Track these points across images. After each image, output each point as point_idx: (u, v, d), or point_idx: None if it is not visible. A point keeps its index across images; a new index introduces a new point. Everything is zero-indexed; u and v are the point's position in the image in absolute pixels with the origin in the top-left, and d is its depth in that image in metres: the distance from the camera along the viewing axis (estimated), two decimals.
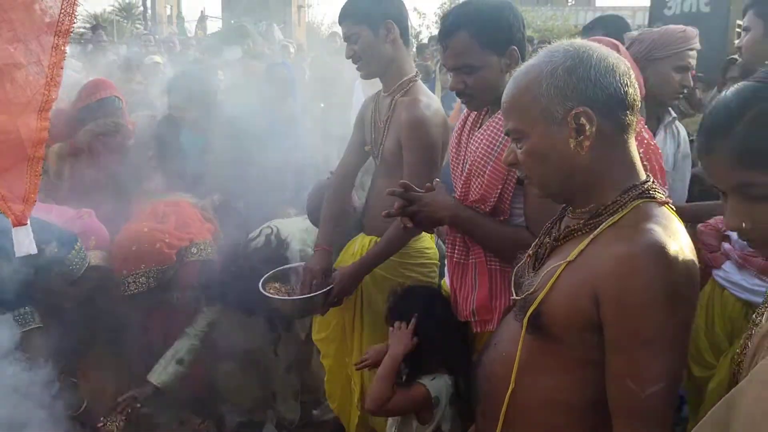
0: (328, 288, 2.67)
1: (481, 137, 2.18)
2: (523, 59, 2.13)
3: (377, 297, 2.84)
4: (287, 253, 3.16)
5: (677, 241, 1.31)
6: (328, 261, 2.85)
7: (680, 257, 1.30)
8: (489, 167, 2.14)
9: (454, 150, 2.41)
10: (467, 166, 2.23)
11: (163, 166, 3.50)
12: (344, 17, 2.69)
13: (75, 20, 1.73)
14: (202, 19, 18.96)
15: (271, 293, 2.72)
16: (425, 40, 14.07)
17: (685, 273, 1.30)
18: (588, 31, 3.76)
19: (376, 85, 2.89)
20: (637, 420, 1.31)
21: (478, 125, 2.30)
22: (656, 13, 8.67)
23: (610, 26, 3.55)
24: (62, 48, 1.71)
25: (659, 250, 1.28)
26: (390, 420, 2.49)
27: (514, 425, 1.48)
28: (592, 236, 1.38)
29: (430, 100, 2.66)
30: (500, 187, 2.12)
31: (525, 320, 1.44)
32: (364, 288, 2.85)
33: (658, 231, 1.31)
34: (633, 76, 1.40)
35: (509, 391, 1.46)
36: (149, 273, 2.92)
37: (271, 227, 3.23)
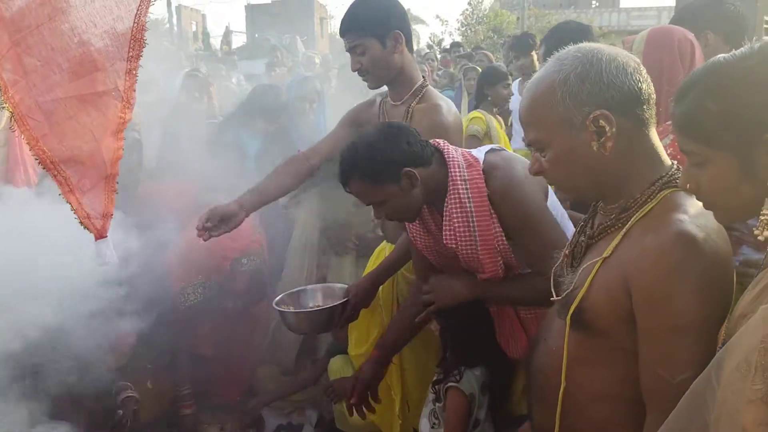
0: (344, 301, 2.60)
1: (450, 235, 2.13)
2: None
3: None
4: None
5: (705, 229, 1.33)
6: (230, 213, 2.67)
7: (709, 245, 1.31)
8: (478, 253, 2.11)
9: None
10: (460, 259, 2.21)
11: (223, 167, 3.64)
12: (348, 29, 2.59)
13: (144, 45, 1.85)
14: (227, 34, 19.27)
15: (283, 308, 2.69)
16: (447, 46, 14.14)
17: (714, 260, 1.32)
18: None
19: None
20: (670, 408, 1.29)
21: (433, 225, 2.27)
22: None
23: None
24: (134, 72, 1.83)
25: (687, 239, 1.30)
26: (423, 419, 2.51)
27: (571, 417, 1.52)
28: (624, 230, 1.42)
29: (449, 105, 2.65)
30: (499, 258, 2.11)
31: (568, 318, 1.49)
32: (400, 296, 2.87)
33: (686, 220, 1.33)
34: (644, 72, 1.43)
35: (562, 385, 1.50)
36: (206, 284, 3.03)
37: None
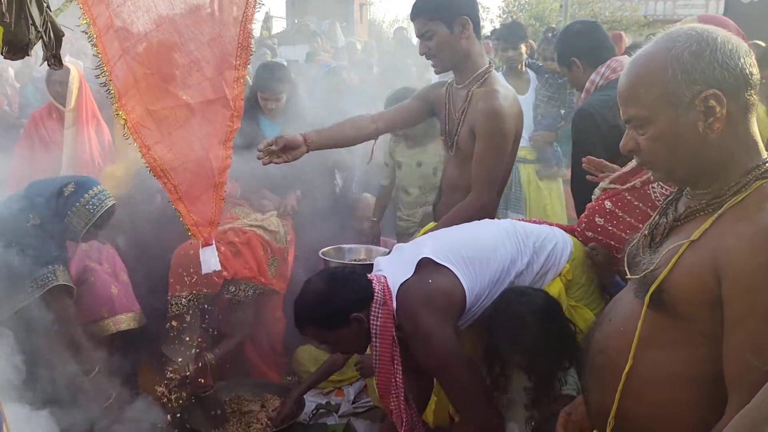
0: None
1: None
2: None
3: None
4: None
5: None
6: (296, 142, 2.59)
7: None
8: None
9: None
10: None
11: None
12: (418, 14, 2.65)
13: (251, 52, 1.85)
14: (267, 19, 19.23)
15: (330, 258, 2.86)
16: (488, 33, 13.99)
17: None
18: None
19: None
20: (756, 393, 1.26)
21: None
22: (732, 2, 8.40)
23: (560, 46, 3.28)
24: (242, 81, 1.84)
25: None
26: (512, 423, 2.48)
27: (631, 398, 1.50)
28: (715, 216, 1.40)
29: (507, 91, 2.67)
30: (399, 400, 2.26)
31: (647, 297, 1.46)
32: None
33: None
34: (754, 57, 1.39)
35: (628, 365, 1.48)
36: (198, 296, 3.13)
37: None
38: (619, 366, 1.50)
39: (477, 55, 2.70)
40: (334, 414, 3.44)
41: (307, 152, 2.65)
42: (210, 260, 1.91)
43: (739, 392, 1.32)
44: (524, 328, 2.14)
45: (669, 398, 1.46)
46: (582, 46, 3.15)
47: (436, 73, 2.80)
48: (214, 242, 1.92)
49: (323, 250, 2.94)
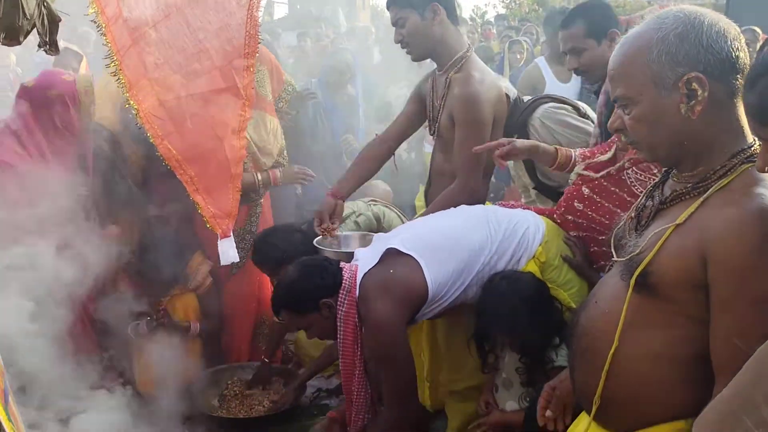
0: None
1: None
2: None
3: None
4: None
5: None
6: (332, 206, 2.84)
7: None
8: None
9: None
10: None
11: None
12: (391, 2, 2.72)
13: (259, 41, 1.84)
14: (270, 4, 18.97)
15: (324, 246, 2.83)
16: (491, 19, 13.83)
17: None
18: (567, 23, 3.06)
19: None
20: None
21: None
22: None
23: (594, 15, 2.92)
24: (251, 69, 1.84)
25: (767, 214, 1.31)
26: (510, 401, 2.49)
27: (617, 378, 1.51)
28: (701, 200, 1.38)
29: (484, 75, 2.69)
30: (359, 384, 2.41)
31: (632, 280, 1.46)
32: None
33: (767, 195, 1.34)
34: (743, 41, 1.41)
35: (614, 346, 1.49)
36: None
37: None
38: (604, 347, 1.51)
39: (453, 41, 2.73)
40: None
41: (343, 201, 2.90)
42: (228, 252, 1.92)
43: (726, 376, 1.31)
44: (513, 310, 2.20)
45: (652, 378, 1.48)
46: (615, 20, 3.00)
47: (412, 60, 2.83)
48: (232, 234, 1.92)
49: (317, 239, 2.88)
